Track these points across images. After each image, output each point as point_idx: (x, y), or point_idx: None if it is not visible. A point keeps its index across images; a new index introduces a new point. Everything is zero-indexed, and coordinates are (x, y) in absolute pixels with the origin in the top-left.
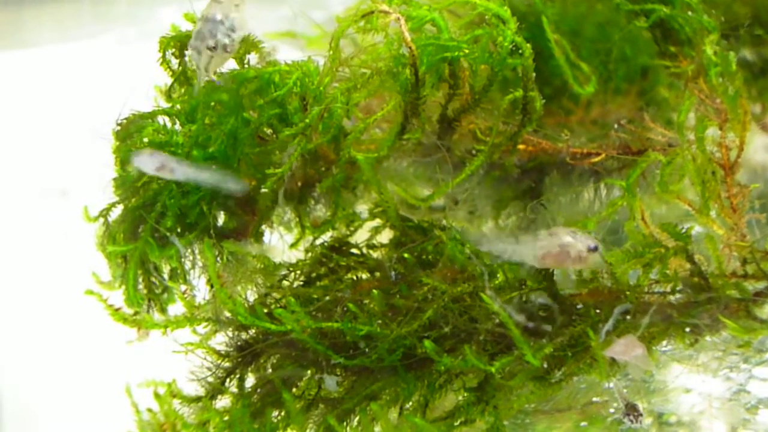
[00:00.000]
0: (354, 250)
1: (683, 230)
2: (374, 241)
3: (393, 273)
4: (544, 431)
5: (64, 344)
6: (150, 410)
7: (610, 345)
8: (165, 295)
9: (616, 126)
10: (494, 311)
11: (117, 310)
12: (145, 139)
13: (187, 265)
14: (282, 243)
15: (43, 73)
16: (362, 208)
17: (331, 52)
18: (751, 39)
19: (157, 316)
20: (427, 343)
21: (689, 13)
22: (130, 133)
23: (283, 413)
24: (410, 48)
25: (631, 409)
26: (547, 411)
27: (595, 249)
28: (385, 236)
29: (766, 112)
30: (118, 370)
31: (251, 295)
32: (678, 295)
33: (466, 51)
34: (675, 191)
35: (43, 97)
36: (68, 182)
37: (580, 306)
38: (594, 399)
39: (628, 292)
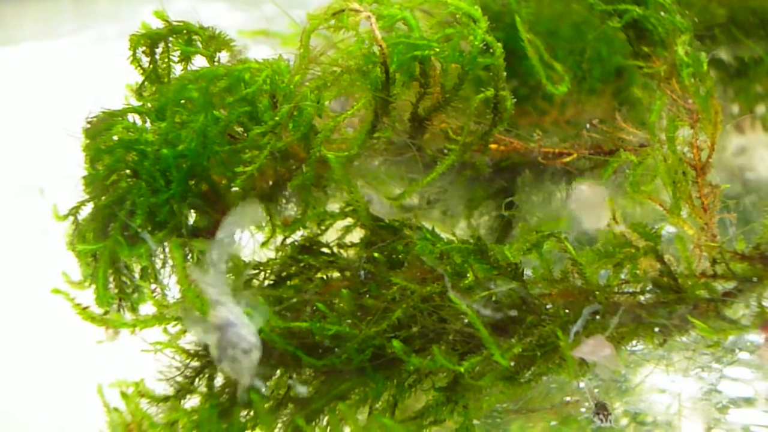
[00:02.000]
0: (324, 250)
1: (653, 230)
2: (345, 241)
3: (362, 272)
4: (518, 431)
5: (39, 343)
6: (116, 409)
7: (578, 345)
8: (136, 295)
9: (588, 126)
10: (463, 311)
11: (84, 308)
12: (114, 137)
13: (158, 264)
14: (252, 242)
15: (22, 71)
16: (334, 207)
17: (301, 50)
18: (728, 40)
19: (127, 315)
20: (395, 342)
21: (662, 13)
22: (100, 131)
23: (251, 413)
24: (381, 46)
25: (601, 409)
26: (520, 411)
27: None
28: (356, 236)
29: (743, 112)
30: (92, 369)
31: None
32: (647, 296)
33: (437, 50)
34: (647, 191)
35: (22, 94)
36: (46, 180)
37: (549, 306)
38: (566, 399)
39: (597, 292)
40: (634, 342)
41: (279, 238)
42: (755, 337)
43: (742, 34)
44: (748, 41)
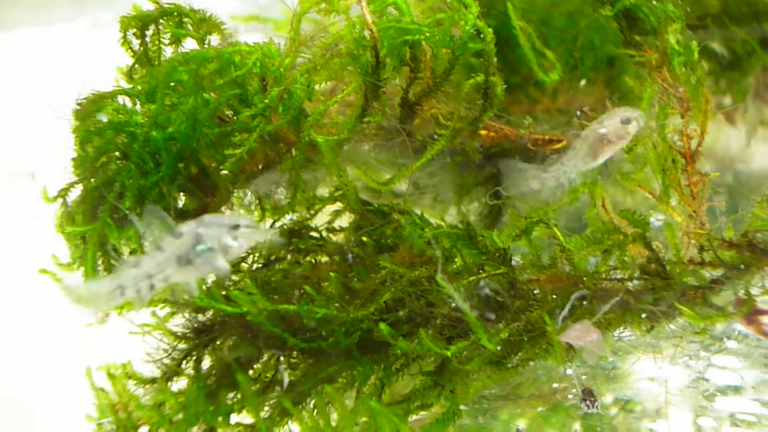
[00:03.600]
0: (313, 234)
1: (642, 217)
2: (334, 225)
3: (350, 256)
4: (509, 419)
5: (30, 325)
6: (102, 390)
7: (565, 330)
8: None
9: (578, 113)
10: (450, 295)
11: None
12: (104, 118)
13: (147, 246)
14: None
15: (16, 56)
16: (324, 191)
17: (292, 33)
18: (721, 31)
19: None
20: (382, 326)
21: (654, 2)
22: (90, 113)
23: (238, 395)
24: (371, 30)
25: (588, 395)
26: (508, 397)
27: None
28: (346, 220)
29: (735, 103)
30: (82, 352)
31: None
32: (635, 282)
33: (428, 35)
34: (637, 179)
35: (17, 80)
36: (37, 165)
37: (537, 292)
38: (554, 385)
39: (585, 279)
40: (622, 329)
41: (268, 221)
42: (742, 326)
43: (734, 25)
44: (741, 32)
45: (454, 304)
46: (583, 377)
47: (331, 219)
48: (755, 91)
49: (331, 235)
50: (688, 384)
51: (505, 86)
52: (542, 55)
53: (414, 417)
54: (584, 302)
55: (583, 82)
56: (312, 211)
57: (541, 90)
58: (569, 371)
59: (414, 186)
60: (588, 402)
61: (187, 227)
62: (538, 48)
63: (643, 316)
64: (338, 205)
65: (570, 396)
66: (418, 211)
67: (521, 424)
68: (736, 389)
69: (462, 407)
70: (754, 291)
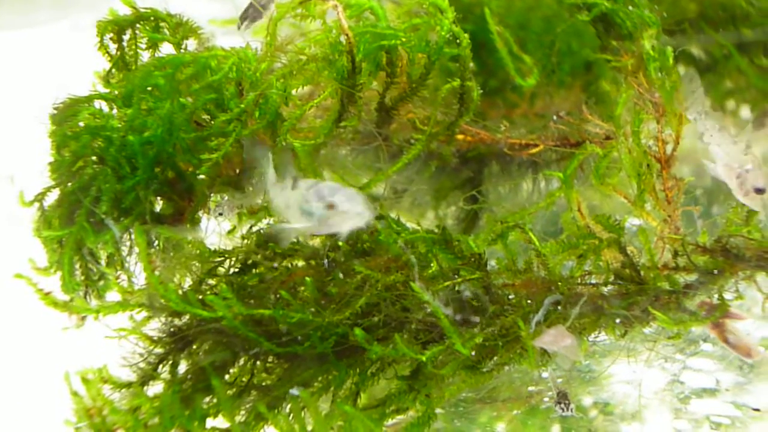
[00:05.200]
0: None
1: (617, 222)
2: None
3: (326, 261)
4: (488, 422)
5: (6, 330)
6: (76, 394)
7: (539, 335)
8: (102, 282)
9: (554, 117)
10: (425, 300)
11: (47, 294)
12: (81, 123)
13: (125, 251)
14: (219, 229)
15: None
16: None
17: (268, 38)
18: (698, 35)
19: (94, 302)
20: (357, 330)
21: (630, 7)
22: (66, 117)
23: (214, 399)
24: (347, 35)
25: (562, 398)
26: (485, 400)
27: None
28: None
29: (712, 107)
30: (59, 356)
31: (187, 282)
32: (610, 287)
33: (404, 39)
34: (612, 184)
35: None
36: (17, 168)
37: (512, 296)
38: (529, 389)
39: (560, 283)
40: (596, 333)
41: (245, 226)
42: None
43: (712, 30)
44: (718, 36)
45: (429, 309)
46: (559, 380)
47: None
48: None
49: (307, 240)
50: (664, 386)
51: (483, 91)
52: (519, 59)
53: (391, 421)
54: (559, 307)
55: (560, 87)
56: None
57: (518, 94)
58: (545, 374)
59: (391, 190)
60: (562, 405)
61: (304, 183)
62: (515, 52)
63: (617, 320)
64: None
65: (546, 399)
66: (395, 216)
67: (500, 427)
68: (711, 391)
69: (439, 411)
70: (727, 296)
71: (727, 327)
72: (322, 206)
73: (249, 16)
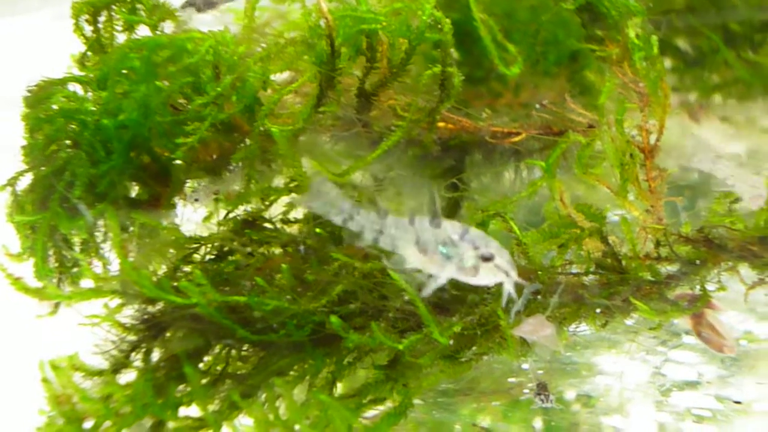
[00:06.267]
0: (267, 225)
1: (599, 212)
2: (289, 216)
3: (302, 248)
4: (470, 414)
5: None
6: (46, 381)
7: (519, 324)
8: (76, 269)
9: (537, 106)
10: (403, 288)
11: (17, 279)
12: (54, 106)
13: (100, 237)
14: (195, 216)
15: None
16: (281, 182)
17: (246, 21)
18: (685, 28)
19: (68, 289)
20: (333, 318)
21: None
22: (40, 100)
23: (188, 388)
24: (326, 19)
25: (542, 389)
26: (467, 393)
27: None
28: (302, 211)
29: (700, 100)
30: (33, 343)
31: (163, 268)
32: (591, 277)
33: (384, 24)
34: (595, 173)
35: None
36: None
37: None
38: (510, 380)
39: (540, 272)
40: (577, 324)
41: (222, 212)
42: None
43: (699, 23)
44: (705, 29)
45: (407, 297)
46: (540, 372)
47: (286, 210)
48: None
49: (285, 227)
50: (646, 379)
51: (468, 80)
52: (504, 48)
53: (372, 412)
54: (539, 296)
55: (545, 77)
56: (267, 202)
57: (503, 84)
58: (525, 366)
59: (373, 178)
60: (542, 396)
61: (450, 226)
62: (499, 41)
63: (598, 310)
64: (294, 196)
65: (526, 391)
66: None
67: (485, 420)
68: (693, 384)
69: (419, 402)
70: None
71: (706, 320)
72: (474, 255)
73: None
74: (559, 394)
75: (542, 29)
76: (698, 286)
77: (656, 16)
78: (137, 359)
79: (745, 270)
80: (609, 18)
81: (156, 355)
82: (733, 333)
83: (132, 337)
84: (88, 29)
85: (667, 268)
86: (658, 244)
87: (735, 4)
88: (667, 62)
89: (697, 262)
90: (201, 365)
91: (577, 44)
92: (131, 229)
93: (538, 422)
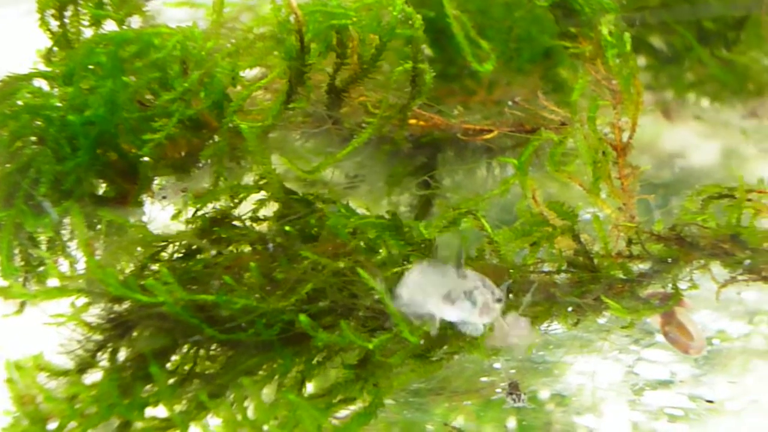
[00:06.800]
0: (236, 223)
1: (571, 210)
2: (258, 214)
3: (270, 245)
4: (443, 414)
5: None
6: (11, 382)
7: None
8: (42, 267)
9: (510, 103)
10: (372, 287)
11: None
12: (20, 102)
13: (66, 235)
14: (163, 213)
15: None
16: (250, 179)
17: (214, 16)
18: (660, 26)
19: (34, 288)
20: (302, 317)
21: None
22: (5, 96)
23: (155, 388)
24: (296, 14)
25: (513, 388)
26: (440, 392)
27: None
28: (272, 209)
29: (676, 99)
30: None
31: (131, 267)
32: (563, 275)
33: (355, 19)
34: (568, 171)
35: None
36: None
37: None
38: (482, 379)
39: (512, 271)
40: (549, 322)
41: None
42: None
43: (673, 20)
44: (680, 28)
45: (377, 296)
46: (512, 371)
47: (255, 208)
48: None
49: (254, 225)
50: (619, 378)
51: (442, 77)
52: (477, 45)
53: (345, 412)
54: (510, 295)
55: (519, 74)
56: (236, 200)
57: (477, 81)
58: (497, 365)
59: (345, 176)
60: (514, 396)
61: (472, 276)
62: (472, 38)
63: (570, 309)
64: (264, 194)
65: (498, 390)
66: (350, 202)
67: (458, 420)
68: (666, 383)
69: (391, 402)
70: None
71: (675, 319)
72: (492, 300)
73: None
74: (532, 393)
75: (516, 26)
76: (670, 285)
77: (630, 12)
78: (103, 359)
79: (718, 268)
80: (582, 15)
81: (123, 354)
82: (704, 332)
83: (98, 337)
84: (54, 24)
85: (640, 267)
86: (630, 242)
87: (708, 2)
88: (642, 60)
89: (669, 260)
90: (168, 365)
91: (551, 41)
92: (98, 227)
93: (512, 422)
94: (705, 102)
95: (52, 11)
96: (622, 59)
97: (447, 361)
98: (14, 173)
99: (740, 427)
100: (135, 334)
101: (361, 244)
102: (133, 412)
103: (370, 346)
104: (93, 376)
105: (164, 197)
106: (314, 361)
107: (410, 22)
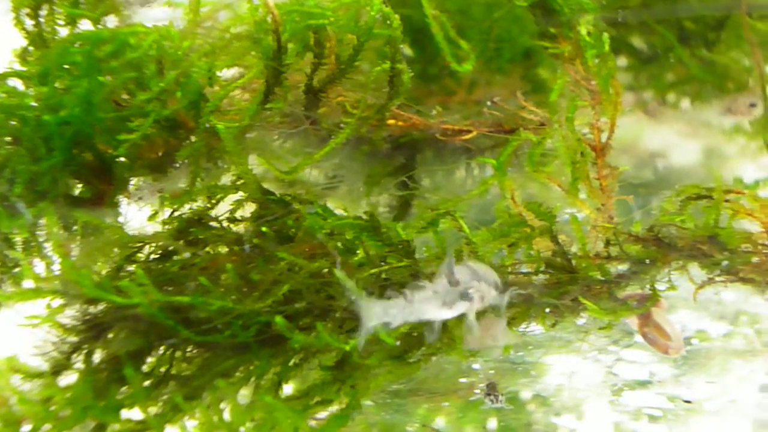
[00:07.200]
0: (213, 224)
1: (549, 210)
2: (235, 215)
3: (247, 247)
4: (425, 415)
5: None
6: None
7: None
8: (18, 269)
9: (489, 103)
10: (348, 288)
11: None
12: None
13: (42, 236)
14: (140, 214)
15: None
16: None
17: (190, 15)
18: (640, 26)
19: (9, 289)
20: (277, 318)
21: None
22: None
23: (130, 390)
24: (273, 14)
25: (491, 389)
26: (420, 393)
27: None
28: (249, 210)
29: (655, 98)
30: None
31: (106, 268)
32: (541, 276)
33: (332, 19)
34: (546, 171)
35: None
36: None
37: None
38: (461, 380)
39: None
40: (527, 324)
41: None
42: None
43: (654, 20)
44: (660, 27)
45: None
46: (491, 372)
47: (233, 208)
48: None
49: (231, 226)
50: (599, 379)
51: (422, 77)
52: (457, 45)
53: (324, 413)
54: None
55: (499, 74)
56: (213, 201)
57: (456, 81)
58: (476, 366)
59: (324, 176)
60: (492, 397)
61: (463, 275)
62: (452, 38)
63: (548, 310)
64: (241, 195)
65: (477, 391)
66: (329, 203)
67: (438, 421)
68: (645, 384)
69: (370, 404)
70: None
71: (652, 320)
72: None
73: None
74: (511, 394)
75: (496, 26)
76: (648, 286)
77: (611, 13)
78: (78, 361)
79: (696, 269)
80: (562, 15)
81: (98, 356)
82: (683, 333)
83: (73, 338)
84: (29, 23)
85: (618, 268)
86: (608, 243)
87: (689, 2)
88: (622, 60)
89: (647, 261)
90: (144, 367)
91: (531, 41)
92: (74, 227)
93: (492, 422)
94: (686, 102)
95: (27, 10)
96: (600, 60)
97: (425, 363)
98: None
99: (721, 427)
100: (110, 335)
101: (339, 245)
102: (108, 414)
103: (347, 348)
104: (68, 378)
105: (140, 198)
106: (291, 363)
107: (388, 22)
